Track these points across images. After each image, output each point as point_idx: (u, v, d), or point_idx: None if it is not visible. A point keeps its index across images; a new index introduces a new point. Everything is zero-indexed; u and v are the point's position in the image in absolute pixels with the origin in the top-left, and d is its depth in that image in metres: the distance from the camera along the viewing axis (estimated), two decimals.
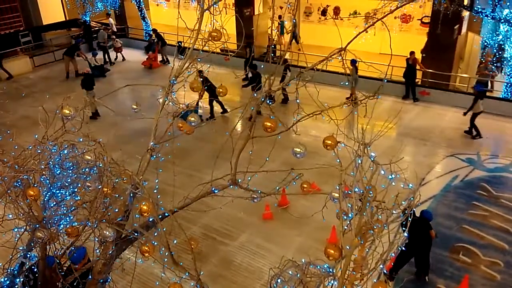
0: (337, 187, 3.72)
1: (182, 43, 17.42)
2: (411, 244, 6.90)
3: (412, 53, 15.02)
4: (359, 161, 3.61)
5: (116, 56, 20.71)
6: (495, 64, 15.23)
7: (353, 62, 13.46)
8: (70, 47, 19.36)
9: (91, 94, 14.45)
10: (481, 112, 12.58)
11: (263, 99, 4.26)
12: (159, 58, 20.18)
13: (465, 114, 13.03)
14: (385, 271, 7.70)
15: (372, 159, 3.64)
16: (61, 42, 22.81)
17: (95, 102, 13.22)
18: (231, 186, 4.81)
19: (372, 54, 18.81)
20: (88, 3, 22.82)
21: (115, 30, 22.27)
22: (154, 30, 20.43)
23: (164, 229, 4.14)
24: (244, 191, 4.87)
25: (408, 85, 15.36)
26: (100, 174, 4.46)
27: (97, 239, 4.68)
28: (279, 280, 4.02)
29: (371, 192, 3.57)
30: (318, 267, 3.92)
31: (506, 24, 14.31)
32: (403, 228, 3.60)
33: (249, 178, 4.80)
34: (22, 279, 5.07)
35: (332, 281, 3.76)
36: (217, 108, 14.31)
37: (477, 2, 15.04)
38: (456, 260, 8.24)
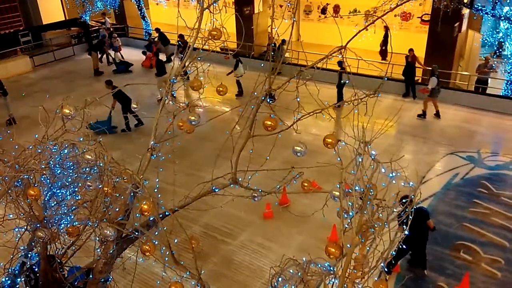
0: (338, 186, 3.72)
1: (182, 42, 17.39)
2: (408, 237, 6.89)
3: (411, 50, 15.01)
4: (360, 160, 3.61)
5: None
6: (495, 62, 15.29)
7: (283, 41, 15.18)
8: (97, 42, 19.42)
9: (5, 99, 14.28)
10: (344, 83, 14.16)
11: (263, 98, 4.26)
12: (163, 59, 20.08)
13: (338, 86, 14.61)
14: (386, 270, 7.72)
15: (372, 157, 3.64)
16: (61, 42, 22.79)
17: (8, 106, 14.09)
18: (232, 185, 4.81)
19: (372, 52, 18.80)
20: (87, 2, 22.79)
21: (111, 29, 22.12)
22: (157, 30, 20.37)
23: (165, 228, 4.14)
24: (245, 190, 4.87)
25: (408, 82, 15.35)
26: (101, 174, 4.46)
27: (98, 239, 4.68)
28: (280, 279, 4.03)
29: (371, 190, 3.57)
30: (319, 265, 3.92)
31: (506, 21, 14.29)
32: (404, 226, 3.60)
33: (250, 177, 4.80)
34: (23, 279, 5.08)
35: (333, 280, 3.76)
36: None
37: None
38: (456, 257, 8.24)
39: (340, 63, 13.97)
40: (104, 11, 23.01)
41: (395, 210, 3.67)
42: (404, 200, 5.00)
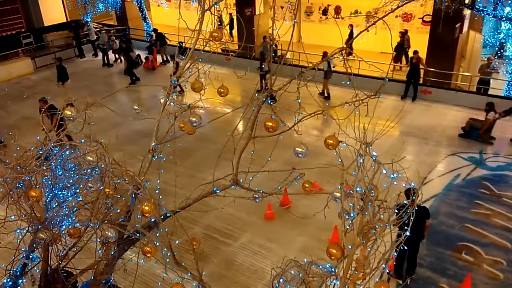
0: (339, 187, 3.71)
1: (183, 43, 17.45)
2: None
3: (415, 52, 14.99)
4: (361, 161, 3.61)
5: (115, 58, 20.71)
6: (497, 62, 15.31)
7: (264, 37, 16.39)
8: (128, 45, 19.63)
9: None
10: (267, 72, 14.96)
11: (264, 99, 4.26)
12: (159, 59, 20.16)
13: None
14: (388, 271, 7.69)
15: (374, 158, 3.63)
16: (63, 43, 22.81)
17: None
18: (233, 186, 4.81)
19: (373, 53, 18.79)
20: (89, 4, 22.80)
21: (95, 37, 21.39)
22: (155, 30, 20.44)
23: (166, 230, 4.14)
24: (246, 191, 4.87)
25: (410, 84, 15.32)
26: (102, 175, 4.46)
27: (99, 240, 4.68)
28: (281, 280, 4.02)
29: (373, 191, 3.56)
30: (320, 266, 3.92)
31: (508, 22, 14.28)
32: (405, 227, 3.59)
33: (251, 178, 4.80)
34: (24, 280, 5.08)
35: (334, 281, 3.76)
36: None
37: (479, 0, 15.01)
38: (458, 259, 8.22)
39: (262, 54, 15.61)
40: (84, 22, 22.84)
41: (396, 211, 3.66)
42: (406, 194, 4.99)
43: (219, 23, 4.26)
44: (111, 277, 4.94)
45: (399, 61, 18.40)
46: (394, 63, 17.74)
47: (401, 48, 18.33)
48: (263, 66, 15.48)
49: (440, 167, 11.25)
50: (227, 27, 21.75)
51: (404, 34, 18.43)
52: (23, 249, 4.96)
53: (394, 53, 17.89)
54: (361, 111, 3.87)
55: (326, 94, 15.28)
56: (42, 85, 18.32)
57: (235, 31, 22.04)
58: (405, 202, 3.82)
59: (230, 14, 20.68)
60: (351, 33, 19.15)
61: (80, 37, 21.87)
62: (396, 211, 3.67)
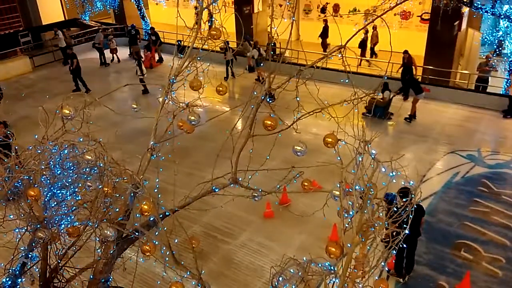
0: (338, 185, 3.71)
1: (182, 41, 17.43)
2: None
3: (405, 52, 15.00)
4: (360, 159, 3.60)
5: (112, 58, 20.67)
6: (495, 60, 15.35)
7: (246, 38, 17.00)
8: (133, 36, 19.86)
9: None
10: (231, 60, 17.08)
11: (263, 97, 4.25)
12: (156, 57, 20.16)
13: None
14: (387, 269, 7.70)
15: (372, 156, 3.63)
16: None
17: None
18: (232, 185, 4.80)
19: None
20: (87, 2, 22.76)
21: (64, 44, 20.33)
22: (152, 29, 20.46)
23: (165, 228, 4.14)
24: (245, 190, 4.86)
25: (405, 83, 15.29)
26: (101, 174, 4.45)
27: (98, 239, 4.68)
28: (280, 278, 4.02)
29: (372, 189, 3.56)
30: (320, 265, 3.92)
31: (506, 20, 14.29)
32: (404, 226, 3.59)
33: (250, 177, 4.80)
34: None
35: (333, 279, 3.76)
36: None
37: None
38: (457, 256, 8.24)
39: (227, 43, 15.82)
40: (104, 11, 22.88)
41: (395, 209, 3.67)
42: (402, 193, 4.99)
43: (197, 22, 4.24)
44: (110, 276, 4.94)
45: (363, 56, 19.10)
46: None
47: (365, 44, 18.65)
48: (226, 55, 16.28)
49: (439, 165, 11.26)
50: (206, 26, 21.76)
51: (367, 31, 18.75)
52: (22, 248, 4.95)
53: (360, 49, 18.58)
54: (360, 109, 3.86)
55: (258, 79, 15.99)
56: (40, 83, 18.30)
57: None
58: (393, 193, 3.80)
59: (209, 10, 20.78)
60: (325, 28, 19.38)
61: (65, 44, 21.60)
62: (395, 209, 3.67)
